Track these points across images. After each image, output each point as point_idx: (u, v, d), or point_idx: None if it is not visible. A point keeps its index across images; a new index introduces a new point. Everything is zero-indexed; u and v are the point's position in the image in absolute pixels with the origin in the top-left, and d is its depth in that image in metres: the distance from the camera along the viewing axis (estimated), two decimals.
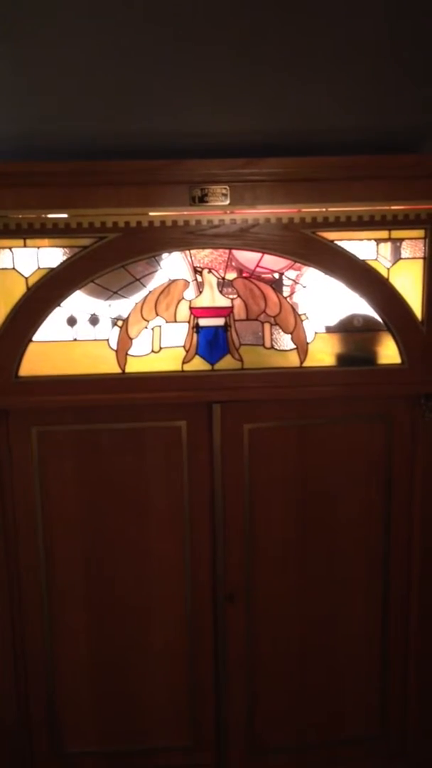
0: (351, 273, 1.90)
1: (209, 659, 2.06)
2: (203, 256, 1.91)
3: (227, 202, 1.82)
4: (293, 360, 1.95)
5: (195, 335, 1.92)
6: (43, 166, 1.80)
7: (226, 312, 1.92)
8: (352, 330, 1.97)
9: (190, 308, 1.91)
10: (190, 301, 1.91)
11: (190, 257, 1.90)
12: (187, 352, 1.93)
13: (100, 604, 2.02)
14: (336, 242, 1.89)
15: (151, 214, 1.83)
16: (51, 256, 1.86)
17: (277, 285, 1.94)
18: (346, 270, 1.90)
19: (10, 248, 1.84)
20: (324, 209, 1.86)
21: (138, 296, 1.91)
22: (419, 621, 2.08)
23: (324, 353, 1.96)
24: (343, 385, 1.95)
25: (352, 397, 1.98)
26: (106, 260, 1.85)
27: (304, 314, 1.94)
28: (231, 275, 1.92)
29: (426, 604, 2.07)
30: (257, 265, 1.92)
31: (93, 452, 1.96)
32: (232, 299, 1.91)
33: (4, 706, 2.02)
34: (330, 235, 1.88)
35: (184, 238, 1.85)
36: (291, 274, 1.95)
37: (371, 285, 1.91)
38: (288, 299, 1.93)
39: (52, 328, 1.89)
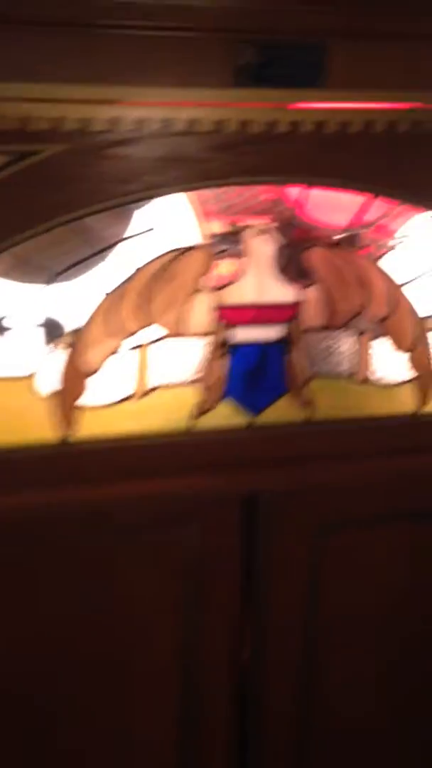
0: None
1: None
2: (228, 197, 0.93)
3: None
4: (406, 401, 1.03)
5: (223, 360, 0.95)
6: None
7: (289, 314, 0.96)
8: None
9: (218, 308, 0.94)
10: (219, 290, 0.93)
11: (198, 203, 0.92)
12: (207, 392, 0.95)
13: None
14: None
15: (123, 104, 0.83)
16: None
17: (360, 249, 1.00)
18: None
19: None
20: None
21: (105, 280, 0.91)
22: None
23: None
24: None
25: None
26: (37, 206, 0.84)
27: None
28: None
29: None
30: (332, 216, 0.97)
31: (28, 588, 0.95)
32: (303, 287, 0.96)
33: None
34: None
35: (196, 156, 0.87)
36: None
37: None
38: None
39: None
